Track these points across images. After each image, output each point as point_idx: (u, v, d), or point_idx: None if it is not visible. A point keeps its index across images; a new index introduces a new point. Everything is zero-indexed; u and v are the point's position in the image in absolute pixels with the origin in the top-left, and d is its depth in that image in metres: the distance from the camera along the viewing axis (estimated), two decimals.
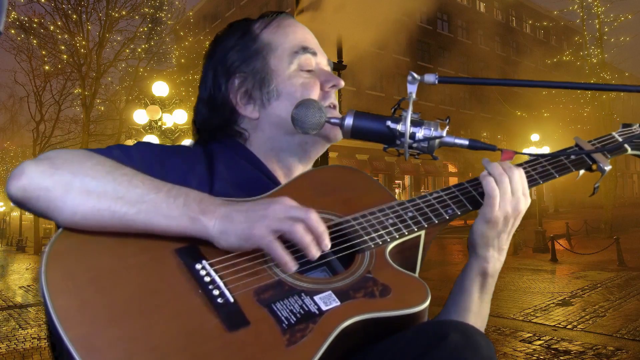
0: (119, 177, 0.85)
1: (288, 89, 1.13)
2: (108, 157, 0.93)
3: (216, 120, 1.18)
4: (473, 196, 1.03)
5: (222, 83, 1.17)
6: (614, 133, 1.18)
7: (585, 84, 1.09)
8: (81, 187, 0.83)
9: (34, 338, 6.45)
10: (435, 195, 1.04)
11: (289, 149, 1.16)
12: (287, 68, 1.15)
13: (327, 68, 1.23)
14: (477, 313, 1.06)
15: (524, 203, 1.00)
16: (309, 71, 1.17)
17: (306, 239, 0.82)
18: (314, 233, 0.83)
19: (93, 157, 0.90)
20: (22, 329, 7.02)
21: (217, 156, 1.11)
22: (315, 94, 1.14)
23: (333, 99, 1.18)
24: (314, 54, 1.18)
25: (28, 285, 11.38)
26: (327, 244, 0.84)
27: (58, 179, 0.84)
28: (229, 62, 1.17)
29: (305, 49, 1.16)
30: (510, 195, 0.99)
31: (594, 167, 1.10)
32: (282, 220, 0.82)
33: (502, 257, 1.04)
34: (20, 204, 0.86)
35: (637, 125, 1.20)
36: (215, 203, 0.86)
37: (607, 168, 1.07)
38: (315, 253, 0.83)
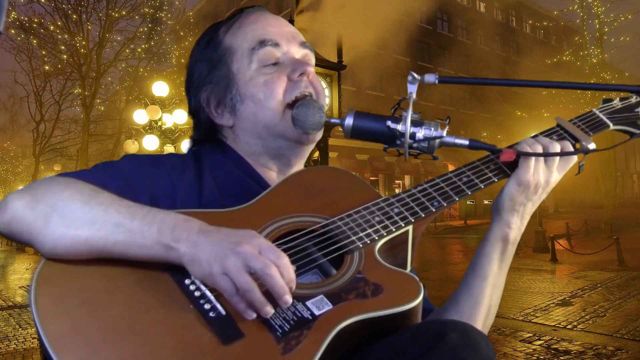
0: (95, 207, 0.84)
1: (250, 90, 1.10)
2: (90, 181, 0.91)
3: (201, 132, 1.19)
4: (458, 186, 1.03)
5: (193, 98, 1.17)
6: (595, 110, 1.17)
7: (585, 84, 1.09)
8: (59, 220, 0.82)
9: (34, 338, 6.44)
10: (419, 188, 1.03)
11: (267, 153, 1.14)
12: (248, 69, 1.10)
13: (300, 54, 1.15)
14: (494, 285, 1.06)
15: (555, 177, 1.04)
16: (274, 64, 1.11)
17: (279, 284, 0.75)
18: (286, 279, 0.76)
19: (72, 186, 0.88)
20: (22, 329, 7.01)
21: (206, 160, 1.11)
22: (280, 89, 1.09)
23: (304, 87, 1.10)
24: (276, 44, 1.11)
25: (28, 285, 11.36)
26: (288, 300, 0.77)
27: (38, 212, 0.83)
28: (195, 76, 1.16)
29: (262, 43, 1.10)
30: (544, 164, 1.02)
31: (577, 146, 1.08)
32: (256, 258, 0.76)
33: (522, 227, 1.07)
34: (8, 237, 0.87)
35: (618, 99, 1.19)
36: (189, 229, 0.82)
37: (591, 146, 1.06)
38: (288, 301, 0.76)
